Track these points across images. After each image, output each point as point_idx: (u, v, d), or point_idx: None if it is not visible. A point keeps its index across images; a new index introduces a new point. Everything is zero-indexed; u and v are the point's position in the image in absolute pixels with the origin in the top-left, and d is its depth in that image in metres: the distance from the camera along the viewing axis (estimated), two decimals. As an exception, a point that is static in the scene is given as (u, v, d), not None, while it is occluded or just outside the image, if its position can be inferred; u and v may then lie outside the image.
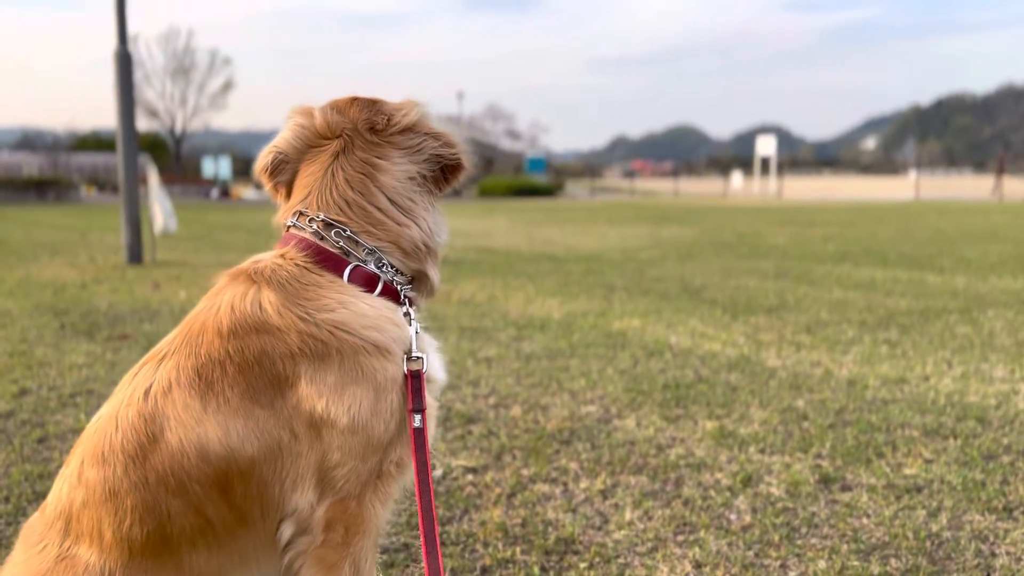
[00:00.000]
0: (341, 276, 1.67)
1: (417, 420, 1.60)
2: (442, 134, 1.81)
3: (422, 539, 1.59)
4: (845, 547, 2.60)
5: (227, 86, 67.93)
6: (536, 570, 2.45)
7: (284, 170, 1.80)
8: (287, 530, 1.61)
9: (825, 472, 3.20)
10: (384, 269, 1.71)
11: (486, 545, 2.62)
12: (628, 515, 2.83)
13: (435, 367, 1.81)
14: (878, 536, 2.68)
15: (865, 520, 2.80)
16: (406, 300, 1.73)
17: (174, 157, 65.45)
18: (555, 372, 4.74)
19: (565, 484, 3.12)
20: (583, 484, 3.10)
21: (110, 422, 1.58)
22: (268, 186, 1.84)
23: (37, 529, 1.61)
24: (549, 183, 54.85)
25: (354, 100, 1.82)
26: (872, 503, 2.93)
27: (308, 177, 1.75)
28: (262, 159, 1.81)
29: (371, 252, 1.70)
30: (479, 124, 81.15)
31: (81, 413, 3.95)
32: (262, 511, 1.60)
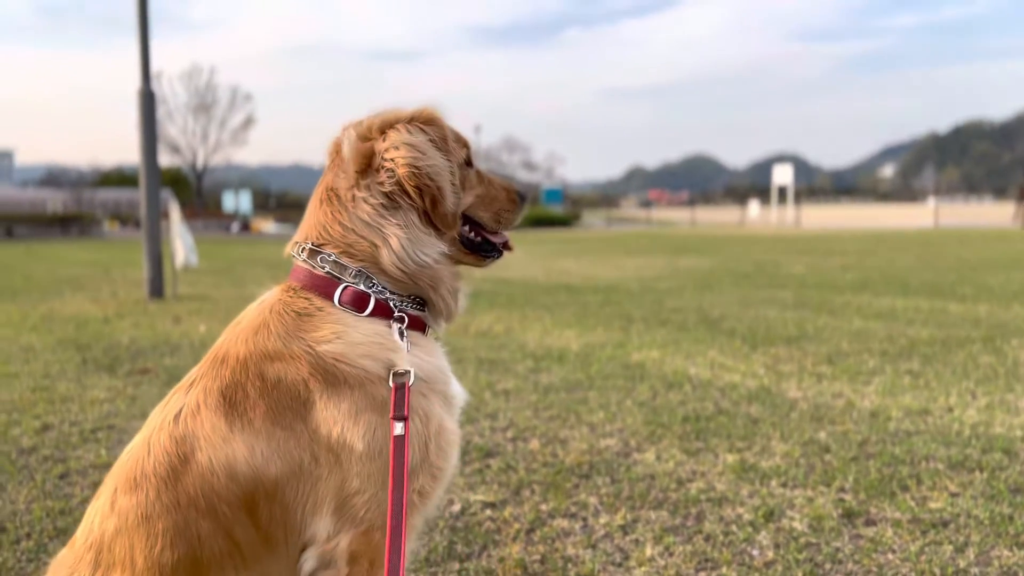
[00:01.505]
0: (332, 300, 1.69)
1: (399, 428, 1.58)
2: (396, 141, 1.71)
3: (387, 552, 1.52)
4: (870, 584, 2.55)
5: (248, 122, 68.93)
6: (556, 608, 2.43)
7: None
8: (309, 562, 1.61)
9: (849, 506, 3.16)
10: (375, 289, 1.71)
11: (505, 582, 2.59)
12: (649, 551, 2.80)
13: (455, 386, 1.81)
14: (904, 572, 2.63)
15: (890, 556, 2.75)
16: (401, 317, 1.71)
17: (196, 192, 66.30)
18: (573, 405, 4.72)
19: (585, 519, 3.09)
20: (603, 519, 3.08)
21: (143, 448, 1.63)
22: None
23: (67, 563, 1.63)
24: (566, 214, 54.99)
25: (357, 123, 1.80)
26: (897, 538, 2.88)
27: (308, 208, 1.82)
28: None
29: (359, 272, 1.71)
30: (496, 156, 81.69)
31: (102, 448, 3.98)
32: (286, 535, 1.62)
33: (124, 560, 1.57)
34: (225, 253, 22.38)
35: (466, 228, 1.86)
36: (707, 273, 13.86)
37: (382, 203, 1.71)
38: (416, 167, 1.70)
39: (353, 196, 1.71)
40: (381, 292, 1.71)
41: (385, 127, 1.75)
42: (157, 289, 10.67)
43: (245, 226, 50.19)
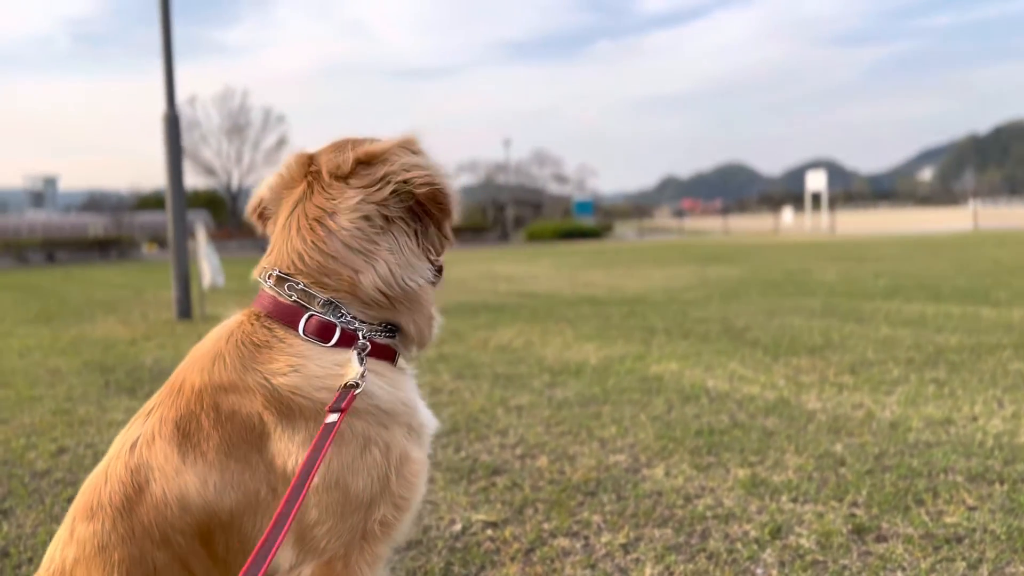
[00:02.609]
0: (296, 329, 1.65)
1: (332, 417, 1.54)
2: (408, 163, 1.69)
3: (266, 531, 1.41)
4: (876, 603, 2.46)
5: (281, 142, 69.81)
6: (548, 630, 2.38)
7: (269, 217, 1.82)
8: None
9: (860, 522, 3.06)
10: (342, 319, 1.67)
11: (499, 604, 2.55)
12: (648, 570, 2.73)
13: (425, 415, 1.78)
14: (913, 591, 2.54)
15: (900, 574, 2.66)
16: (364, 345, 1.67)
17: (230, 212, 67.24)
18: (586, 420, 4.66)
19: (587, 538, 3.04)
20: (605, 538, 3.02)
21: (101, 476, 1.62)
22: (261, 232, 1.86)
23: None
24: (596, 225, 54.88)
25: (334, 143, 1.79)
26: (908, 555, 2.78)
27: (275, 229, 1.76)
28: (249, 204, 1.84)
29: (327, 303, 1.66)
30: (526, 170, 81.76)
31: (114, 471, 4.00)
32: None
33: None
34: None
35: None
36: (735, 282, 13.70)
37: (372, 227, 1.66)
38: (435, 184, 1.68)
39: (337, 222, 1.66)
40: (349, 323, 1.67)
41: (377, 152, 1.70)
42: (185, 310, 10.81)
43: (279, 245, 50.62)
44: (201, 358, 1.66)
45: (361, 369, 1.62)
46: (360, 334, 1.68)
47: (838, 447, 4.00)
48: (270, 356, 1.62)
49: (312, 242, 1.67)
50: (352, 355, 1.65)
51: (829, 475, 3.60)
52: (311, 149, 1.82)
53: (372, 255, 1.67)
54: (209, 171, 67.56)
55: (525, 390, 5.50)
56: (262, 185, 1.82)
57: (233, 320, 1.73)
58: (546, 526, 3.15)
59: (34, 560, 2.97)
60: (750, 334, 7.70)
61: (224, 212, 67.02)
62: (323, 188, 1.70)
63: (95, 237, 49.21)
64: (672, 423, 4.54)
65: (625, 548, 2.93)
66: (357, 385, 1.59)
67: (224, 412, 1.58)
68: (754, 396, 5.13)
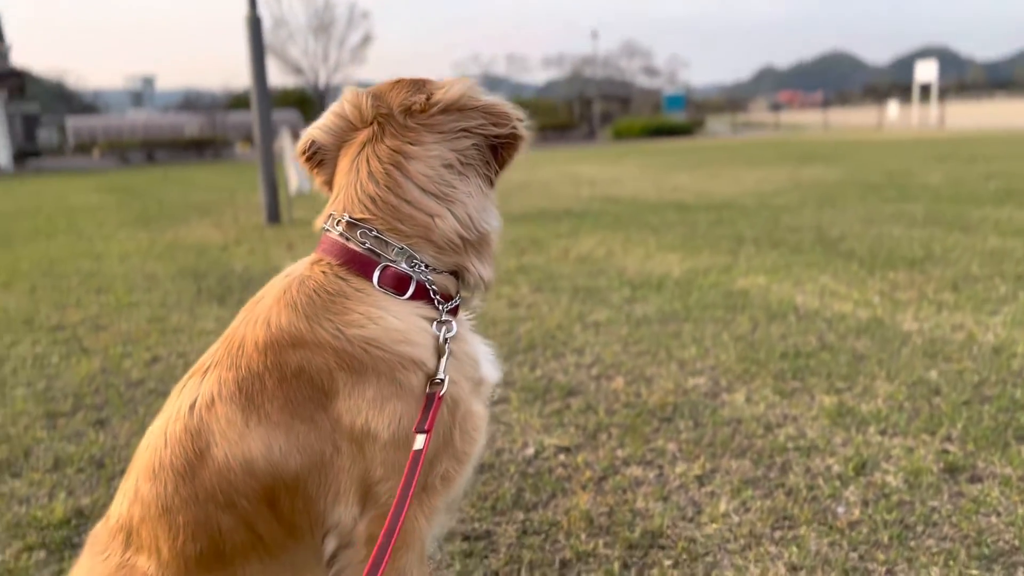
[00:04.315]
0: (371, 279, 1.59)
1: (419, 441, 1.50)
2: (490, 107, 1.65)
3: (373, 552, 1.43)
4: (964, 552, 2.35)
5: (366, 40, 69.34)
6: (617, 567, 2.36)
7: (325, 162, 1.73)
8: (331, 543, 1.58)
9: (952, 459, 2.91)
10: (417, 268, 1.60)
11: (569, 535, 2.54)
12: (723, 506, 2.67)
13: (487, 368, 1.73)
14: (1006, 539, 2.41)
15: (993, 519, 2.52)
16: (440, 307, 1.62)
17: (319, 111, 67.80)
18: (665, 339, 4.55)
19: (660, 468, 2.98)
20: (679, 468, 2.96)
21: (160, 437, 1.59)
22: (311, 175, 1.78)
23: (101, 538, 1.65)
24: (687, 121, 53.09)
25: (396, 83, 1.70)
26: (1004, 498, 2.63)
27: (340, 173, 1.68)
28: (300, 145, 1.75)
29: (401, 251, 1.59)
30: (614, 63, 79.17)
31: (202, 382, 4.15)
32: (311, 524, 1.58)
33: (151, 547, 1.56)
34: (344, 174, 22.80)
35: None
36: (832, 186, 13.07)
37: (451, 172, 1.61)
38: (517, 133, 1.66)
39: (415, 167, 1.59)
40: (423, 273, 1.61)
41: (455, 99, 1.63)
42: (273, 215, 11.03)
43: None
44: (267, 310, 1.59)
45: (444, 362, 1.57)
46: (432, 290, 1.62)
47: (933, 374, 3.79)
48: (345, 307, 1.56)
49: (386, 186, 1.60)
50: (431, 322, 1.61)
51: (922, 405, 3.43)
52: (366, 89, 1.72)
53: (450, 199, 1.61)
54: (297, 70, 67.88)
55: (604, 305, 5.41)
56: (315, 125, 1.72)
57: (300, 267, 1.66)
58: (619, 453, 3.11)
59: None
60: (844, 244, 7.35)
61: (313, 111, 67.60)
62: (397, 130, 1.62)
63: (191, 137, 50.54)
64: (756, 344, 4.39)
65: (700, 480, 2.87)
66: (442, 382, 1.55)
67: (291, 369, 1.52)
68: (845, 315, 4.90)
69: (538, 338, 4.66)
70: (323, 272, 1.60)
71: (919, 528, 2.50)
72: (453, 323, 1.63)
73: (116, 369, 4.46)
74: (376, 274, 1.59)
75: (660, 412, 3.49)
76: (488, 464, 3.05)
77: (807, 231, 8.26)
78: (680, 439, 3.21)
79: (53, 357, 4.75)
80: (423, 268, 1.61)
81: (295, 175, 10.65)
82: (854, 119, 60.30)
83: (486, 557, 2.44)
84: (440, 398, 1.55)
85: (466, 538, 2.55)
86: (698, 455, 3.06)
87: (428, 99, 1.63)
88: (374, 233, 1.60)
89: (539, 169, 20.41)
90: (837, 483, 2.79)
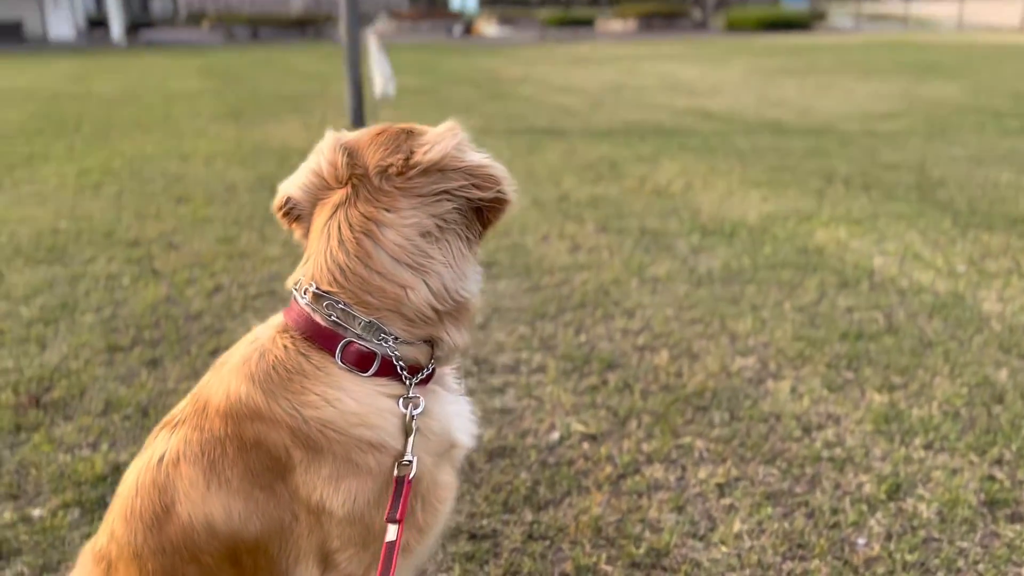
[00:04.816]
0: (333, 356, 1.54)
1: (391, 532, 1.48)
2: (474, 168, 1.54)
3: None
4: (981, 614, 2.23)
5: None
6: (613, 589, 2.35)
7: (301, 217, 1.66)
8: None
9: (996, 489, 2.74)
10: (384, 343, 1.54)
11: (574, 545, 2.53)
12: (738, 525, 2.61)
13: (461, 433, 1.68)
14: (1033, 600, 2.27)
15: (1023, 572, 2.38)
16: (408, 382, 1.57)
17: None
18: (723, 305, 4.39)
19: (683, 469, 2.92)
20: (702, 472, 2.89)
21: (132, 486, 1.63)
22: (288, 230, 1.72)
23: (88, 565, 1.73)
24: (807, 13, 49.70)
25: (376, 135, 1.60)
26: (1042, 547, 2.47)
27: (313, 235, 1.61)
28: (276, 201, 1.69)
29: (369, 324, 1.53)
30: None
31: (254, 320, 4.25)
32: None
33: None
34: (436, 66, 22.54)
35: None
36: (949, 109, 12.09)
37: (428, 240, 1.52)
38: (502, 193, 1.56)
39: (387, 236, 1.51)
40: (391, 348, 1.54)
41: (435, 160, 1.53)
42: (358, 117, 11.00)
43: (467, 29, 50.11)
44: (228, 377, 1.58)
45: (411, 443, 1.53)
46: (400, 367, 1.56)
47: (1003, 374, 3.55)
48: (303, 386, 1.53)
49: (356, 256, 1.52)
50: (397, 400, 1.56)
51: (979, 414, 3.22)
52: (348, 137, 1.62)
53: (425, 269, 1.53)
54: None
55: (668, 255, 5.24)
56: (291, 182, 1.64)
57: (266, 335, 1.61)
58: (645, 447, 3.05)
59: (167, 426, 3.25)
60: (943, 192, 6.84)
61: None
62: (372, 194, 1.54)
63: (296, 15, 50.56)
64: (817, 318, 4.18)
65: (721, 489, 2.80)
66: (410, 465, 1.51)
67: (248, 441, 1.53)
68: (923, 287, 4.60)
69: (591, 294, 4.56)
70: (285, 346, 1.56)
71: (939, 574, 2.38)
72: (421, 400, 1.57)
73: (179, 297, 4.61)
74: (339, 351, 1.54)
75: (697, 399, 3.39)
76: (511, 448, 3.05)
77: (906, 170, 7.71)
78: (711, 435, 3.12)
79: (124, 279, 4.95)
80: (391, 342, 1.55)
81: (380, 78, 10.54)
82: (996, 16, 55.15)
83: (486, 563, 2.47)
84: (410, 483, 1.52)
85: (472, 536, 2.57)
86: (725, 457, 2.98)
87: (407, 160, 1.54)
88: (341, 306, 1.54)
89: (638, 69, 19.63)
90: (864, 508, 2.68)
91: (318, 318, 1.55)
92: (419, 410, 1.56)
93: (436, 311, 1.55)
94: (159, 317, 4.34)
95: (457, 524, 2.61)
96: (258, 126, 11.23)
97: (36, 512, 2.71)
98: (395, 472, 1.52)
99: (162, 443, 1.62)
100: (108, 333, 4.13)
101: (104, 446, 3.09)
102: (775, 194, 6.84)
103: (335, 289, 1.54)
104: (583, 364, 3.71)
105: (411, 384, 1.57)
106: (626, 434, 3.15)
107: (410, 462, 1.52)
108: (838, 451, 3.00)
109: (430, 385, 1.63)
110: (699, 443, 3.08)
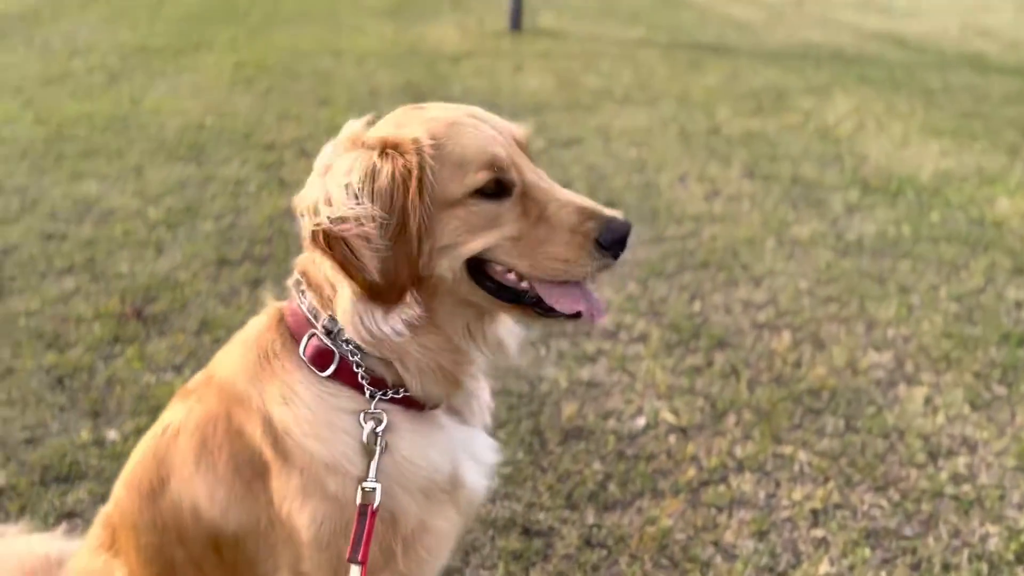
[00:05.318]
0: (298, 347, 1.43)
1: (354, 572, 1.31)
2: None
3: None
4: None
5: None
6: (664, 623, 2.11)
7: None
8: None
9: None
10: (340, 343, 1.40)
11: (632, 560, 2.30)
12: (825, 567, 2.28)
13: (466, 469, 1.48)
14: None
15: None
16: (373, 396, 1.41)
17: None
18: (866, 283, 3.88)
19: (777, 485, 2.59)
20: (798, 493, 2.55)
21: (139, 453, 1.63)
22: None
23: (98, 528, 1.72)
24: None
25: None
26: None
27: None
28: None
29: (332, 320, 1.41)
30: None
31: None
32: None
33: (126, 554, 1.65)
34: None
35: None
36: None
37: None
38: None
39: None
40: (352, 352, 1.39)
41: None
42: (516, 21, 10.59)
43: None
44: (231, 349, 1.54)
45: (374, 466, 1.34)
46: (360, 373, 1.40)
47: None
48: (271, 375, 1.45)
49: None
50: (357, 415, 1.40)
51: None
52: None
53: (338, 286, 1.41)
54: None
55: (817, 212, 4.69)
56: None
57: (265, 316, 1.55)
58: (738, 451, 2.74)
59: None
60: None
61: None
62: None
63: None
64: (974, 312, 3.62)
65: (815, 517, 2.47)
66: (373, 492, 1.34)
67: (234, 425, 1.46)
68: (1119, 285, 3.89)
69: (718, 252, 4.15)
70: (273, 327, 1.50)
71: (1063, 674, 1.99)
72: (384, 416, 1.38)
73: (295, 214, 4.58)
74: (303, 343, 1.43)
75: (811, 399, 3.01)
76: (588, 430, 2.82)
77: None
78: (817, 447, 2.76)
79: (251, 185, 4.99)
80: (347, 345, 1.40)
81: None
82: None
83: (533, 565, 2.29)
84: (374, 514, 1.34)
85: (525, 531, 2.39)
86: (829, 477, 2.62)
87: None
88: (308, 297, 1.46)
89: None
90: (984, 569, 2.28)
91: (298, 305, 1.47)
92: (382, 427, 1.37)
93: (361, 339, 1.40)
94: (273, 232, 4.34)
95: (512, 514, 2.44)
96: (416, 25, 11.04)
97: (111, 435, 2.76)
98: (358, 499, 1.34)
99: (174, 411, 1.59)
100: (221, 244, 4.16)
101: (187, 371, 3.11)
102: (958, 147, 6.00)
103: (307, 280, 1.47)
104: (690, 338, 3.38)
105: (376, 398, 1.40)
106: (720, 431, 2.83)
107: (373, 489, 1.33)
108: (966, 488, 2.57)
109: (427, 411, 1.43)
110: (802, 454, 2.73)
